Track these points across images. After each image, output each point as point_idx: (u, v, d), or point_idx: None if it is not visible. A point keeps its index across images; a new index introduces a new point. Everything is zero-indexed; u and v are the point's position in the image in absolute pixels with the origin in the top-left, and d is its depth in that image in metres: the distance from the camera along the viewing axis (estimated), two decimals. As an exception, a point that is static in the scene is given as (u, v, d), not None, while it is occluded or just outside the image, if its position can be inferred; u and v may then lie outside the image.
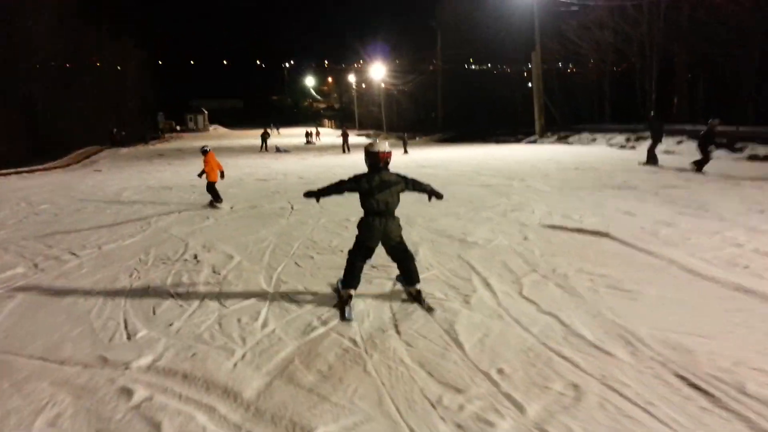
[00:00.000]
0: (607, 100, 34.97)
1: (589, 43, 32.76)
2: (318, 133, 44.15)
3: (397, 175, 4.39)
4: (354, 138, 50.16)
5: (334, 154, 27.69)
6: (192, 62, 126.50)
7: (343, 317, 4.28)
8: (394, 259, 4.58)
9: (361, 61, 68.11)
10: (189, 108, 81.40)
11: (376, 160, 4.30)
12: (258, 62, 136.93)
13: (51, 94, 33.47)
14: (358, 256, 4.46)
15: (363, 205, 4.36)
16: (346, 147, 27.40)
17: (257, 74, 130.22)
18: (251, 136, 54.38)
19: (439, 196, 4.65)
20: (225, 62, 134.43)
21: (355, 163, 16.59)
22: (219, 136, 58.98)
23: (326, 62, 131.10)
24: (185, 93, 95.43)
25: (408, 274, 4.56)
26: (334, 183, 4.41)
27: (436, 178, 13.42)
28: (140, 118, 53.58)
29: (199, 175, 10.67)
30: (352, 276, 4.47)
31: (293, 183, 14.53)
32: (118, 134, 40.90)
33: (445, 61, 47.12)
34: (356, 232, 4.48)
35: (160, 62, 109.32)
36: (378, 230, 4.33)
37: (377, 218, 4.31)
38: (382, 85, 51.91)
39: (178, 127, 68.61)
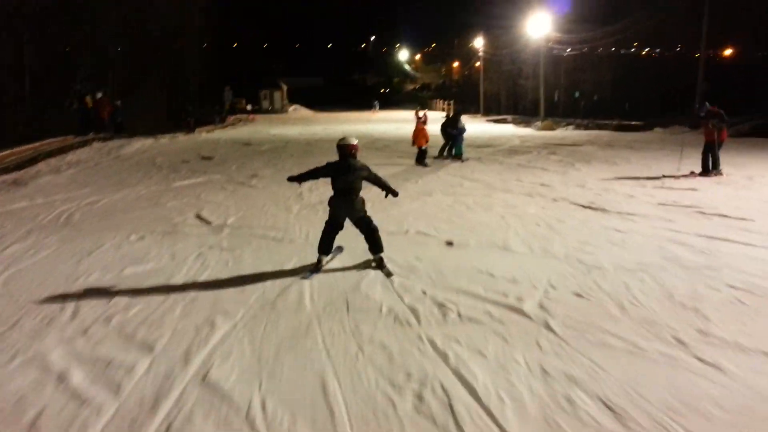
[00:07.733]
0: None
1: None
2: (425, 118, 23.90)
3: (363, 164, 5.44)
4: (482, 125, 33.94)
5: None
6: (266, 42, 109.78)
7: (305, 275, 5.32)
8: (360, 230, 5.51)
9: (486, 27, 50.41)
10: (263, 83, 64.76)
11: (346, 151, 5.32)
12: (338, 37, 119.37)
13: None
14: (329, 227, 5.52)
15: (333, 186, 5.40)
16: None
17: (337, 49, 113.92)
18: (343, 121, 38.38)
19: (394, 194, 5.66)
20: (302, 41, 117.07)
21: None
22: (302, 121, 42.43)
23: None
24: (259, 67, 79.70)
25: (372, 243, 5.50)
26: (312, 169, 5.48)
27: None
28: (199, 95, 38.95)
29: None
30: (323, 243, 5.53)
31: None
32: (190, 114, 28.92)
33: None
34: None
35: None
36: (343, 207, 5.43)
37: (343, 197, 5.38)
38: (548, 45, 34.48)
39: (248, 107, 52.36)
